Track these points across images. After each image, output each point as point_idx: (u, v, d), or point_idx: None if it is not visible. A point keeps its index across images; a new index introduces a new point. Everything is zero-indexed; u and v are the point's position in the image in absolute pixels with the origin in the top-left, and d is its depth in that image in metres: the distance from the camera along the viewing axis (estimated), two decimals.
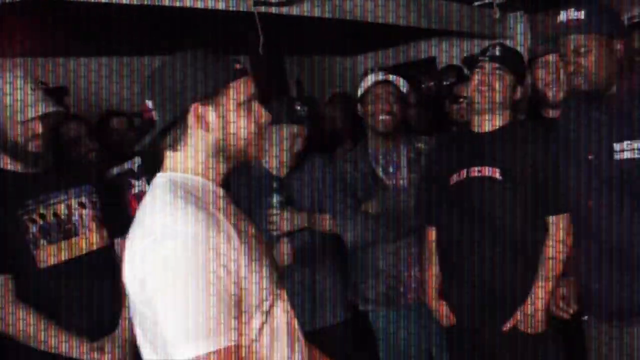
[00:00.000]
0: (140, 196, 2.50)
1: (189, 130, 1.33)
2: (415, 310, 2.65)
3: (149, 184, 2.47)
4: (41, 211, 2.06)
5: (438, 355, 2.73)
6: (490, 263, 2.25)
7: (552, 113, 2.77)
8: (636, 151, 1.97)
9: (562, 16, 2.02)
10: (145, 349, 1.32)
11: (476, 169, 2.31)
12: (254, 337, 1.29)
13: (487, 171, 2.29)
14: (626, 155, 1.99)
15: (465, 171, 2.33)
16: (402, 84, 2.71)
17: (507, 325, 2.26)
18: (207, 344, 1.17)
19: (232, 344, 1.20)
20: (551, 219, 2.23)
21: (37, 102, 2.00)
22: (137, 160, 2.60)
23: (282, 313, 1.38)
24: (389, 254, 2.66)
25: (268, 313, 1.33)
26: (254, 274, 1.29)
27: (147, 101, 1.34)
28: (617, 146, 2.01)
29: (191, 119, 1.31)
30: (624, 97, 2.02)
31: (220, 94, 1.33)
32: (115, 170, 2.57)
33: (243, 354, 1.26)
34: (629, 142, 1.98)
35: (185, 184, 1.32)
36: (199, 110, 1.31)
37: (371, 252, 2.67)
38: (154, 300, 1.20)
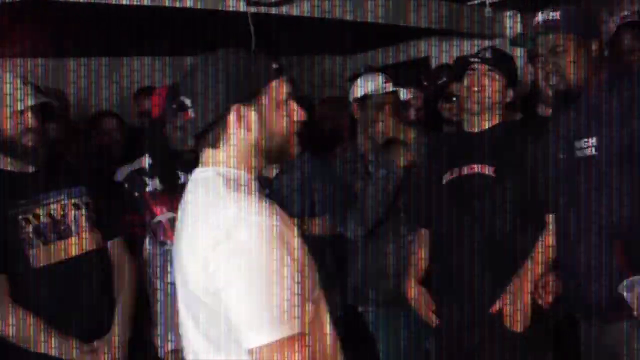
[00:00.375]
0: (155, 194, 2.49)
1: (228, 130, 1.33)
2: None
3: (160, 182, 2.50)
4: (36, 211, 2.07)
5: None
6: (483, 260, 2.26)
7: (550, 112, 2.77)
8: (593, 148, 1.98)
9: (539, 17, 2.04)
10: (199, 347, 1.31)
11: (470, 166, 2.33)
12: (307, 329, 1.28)
13: (481, 169, 2.30)
14: (585, 152, 2.00)
15: (458, 169, 2.35)
16: (403, 93, 2.72)
17: (495, 307, 2.24)
18: (279, 331, 1.18)
19: (301, 330, 1.21)
20: (550, 217, 2.23)
21: (27, 94, 2.03)
22: (139, 160, 2.59)
23: (326, 310, 1.38)
24: (389, 254, 2.66)
25: (317, 305, 1.33)
26: (306, 256, 1.31)
27: (183, 98, 1.34)
28: (577, 144, 2.03)
29: (232, 119, 1.32)
30: (586, 95, 2.03)
31: (260, 93, 1.34)
32: (124, 170, 2.57)
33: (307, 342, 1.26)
34: (585, 139, 2.00)
35: (233, 177, 1.33)
36: (240, 111, 1.32)
37: (371, 252, 2.67)
38: (226, 289, 1.20)
